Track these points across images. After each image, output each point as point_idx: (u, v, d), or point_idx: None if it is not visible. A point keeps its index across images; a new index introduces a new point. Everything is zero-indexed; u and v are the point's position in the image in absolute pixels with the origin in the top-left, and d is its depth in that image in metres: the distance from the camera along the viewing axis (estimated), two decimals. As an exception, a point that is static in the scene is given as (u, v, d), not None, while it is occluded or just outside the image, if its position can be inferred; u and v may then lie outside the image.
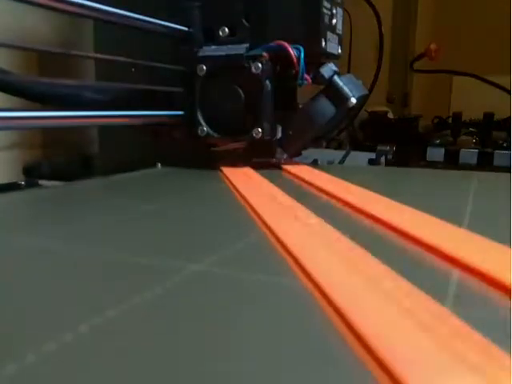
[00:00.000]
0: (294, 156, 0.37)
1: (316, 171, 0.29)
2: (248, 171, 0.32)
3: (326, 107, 0.32)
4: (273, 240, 0.17)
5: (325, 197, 0.24)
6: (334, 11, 0.34)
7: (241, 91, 0.33)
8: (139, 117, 0.33)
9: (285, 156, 0.34)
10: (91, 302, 0.12)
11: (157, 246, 0.17)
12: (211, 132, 0.34)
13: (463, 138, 0.78)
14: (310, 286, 0.13)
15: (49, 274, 0.14)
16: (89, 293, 0.13)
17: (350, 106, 0.32)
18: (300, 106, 0.35)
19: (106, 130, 0.48)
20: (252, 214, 0.21)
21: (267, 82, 0.32)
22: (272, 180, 0.27)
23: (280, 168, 0.34)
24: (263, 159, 0.35)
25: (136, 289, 0.13)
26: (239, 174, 0.31)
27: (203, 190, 0.28)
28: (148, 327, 0.11)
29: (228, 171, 0.32)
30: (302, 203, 0.21)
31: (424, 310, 0.11)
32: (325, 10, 0.32)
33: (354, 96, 0.32)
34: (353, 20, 0.69)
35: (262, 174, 0.29)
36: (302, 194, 0.23)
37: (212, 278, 0.14)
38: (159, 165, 0.37)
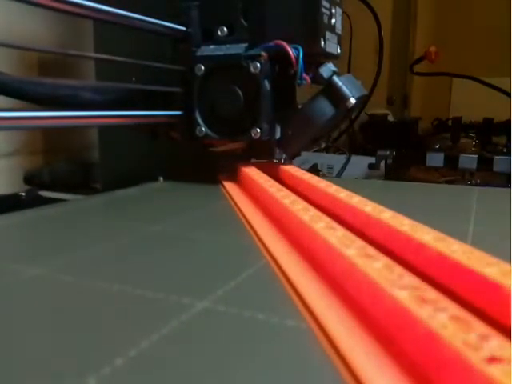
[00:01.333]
0: (293, 156, 0.37)
1: (321, 183, 0.27)
2: (248, 184, 0.31)
3: (326, 107, 0.32)
4: (277, 271, 0.17)
5: (331, 218, 0.22)
6: (333, 11, 0.34)
7: (239, 91, 0.33)
8: (138, 117, 0.33)
9: (284, 156, 0.34)
10: (97, 348, 0.12)
11: (159, 277, 0.17)
12: (210, 132, 0.34)
13: (463, 140, 0.78)
14: (314, 327, 0.13)
15: (46, 311, 0.14)
16: (93, 336, 0.12)
17: (350, 106, 0.32)
18: (299, 106, 0.35)
19: (106, 137, 0.48)
20: (254, 237, 0.21)
21: (266, 81, 0.32)
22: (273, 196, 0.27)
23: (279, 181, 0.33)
24: (262, 160, 0.35)
25: (142, 330, 0.12)
26: (239, 190, 0.31)
27: (205, 210, 0.28)
28: (159, 376, 0.10)
29: (228, 186, 0.32)
30: (303, 224, 0.20)
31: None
32: (324, 10, 0.32)
33: (353, 96, 0.32)
34: (353, 23, 0.69)
35: (262, 188, 0.29)
36: (304, 213, 0.22)
37: (217, 317, 0.13)
38: (161, 179, 0.37)
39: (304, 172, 0.31)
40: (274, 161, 0.34)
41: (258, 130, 0.32)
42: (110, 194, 0.32)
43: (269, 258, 0.18)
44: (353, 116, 0.81)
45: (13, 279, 0.16)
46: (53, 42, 0.55)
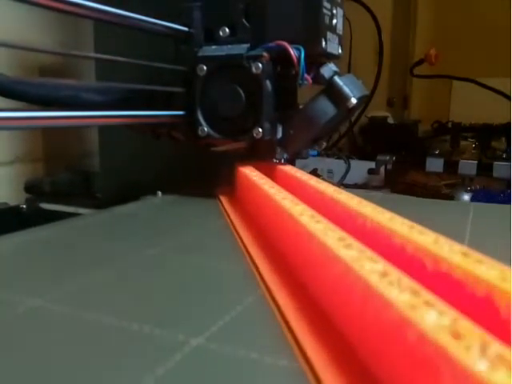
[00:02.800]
0: (294, 156, 0.37)
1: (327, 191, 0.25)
2: (245, 190, 0.31)
3: (327, 107, 0.32)
4: (271, 304, 0.17)
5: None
6: (335, 11, 0.34)
7: (241, 91, 0.33)
8: (139, 117, 0.33)
9: (285, 156, 0.34)
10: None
11: (156, 310, 0.17)
12: (212, 132, 0.34)
13: (463, 142, 0.78)
14: (306, 368, 0.12)
15: (40, 348, 0.14)
16: (83, 376, 0.12)
17: (351, 106, 0.32)
18: (300, 107, 0.35)
19: (106, 145, 0.48)
20: (250, 263, 0.21)
21: (267, 82, 0.32)
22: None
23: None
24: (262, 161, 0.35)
25: (136, 371, 0.12)
26: (237, 205, 0.31)
27: (202, 230, 0.28)
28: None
29: (226, 201, 0.33)
30: (303, 251, 0.18)
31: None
32: (325, 11, 0.32)
33: (354, 96, 0.32)
34: (353, 26, 0.69)
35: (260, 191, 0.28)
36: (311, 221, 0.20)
37: (211, 356, 0.13)
38: (160, 193, 0.37)
39: (307, 175, 0.31)
40: (275, 160, 0.34)
41: (260, 129, 0.32)
42: (109, 210, 0.33)
43: (264, 288, 0.18)
44: (353, 119, 0.81)
45: (11, 312, 0.16)
46: (53, 43, 0.55)
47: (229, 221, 0.29)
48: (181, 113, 0.35)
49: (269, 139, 0.33)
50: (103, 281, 0.19)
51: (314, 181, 0.28)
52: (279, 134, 0.34)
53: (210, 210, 0.32)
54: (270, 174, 0.31)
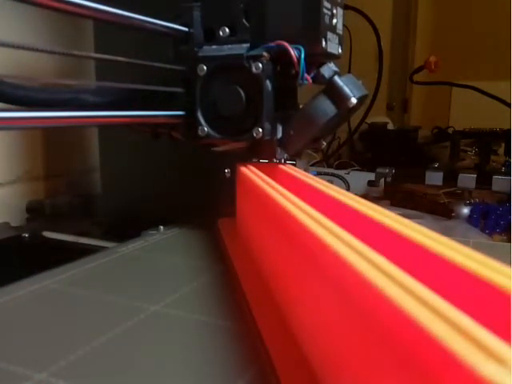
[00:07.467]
0: (295, 157, 0.37)
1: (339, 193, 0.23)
2: (247, 225, 0.31)
3: (327, 107, 0.32)
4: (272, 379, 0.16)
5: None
6: (335, 11, 0.34)
7: (241, 91, 0.33)
8: (138, 117, 0.33)
9: (285, 156, 0.34)
10: None
11: None
12: (212, 132, 0.34)
13: (462, 149, 0.78)
14: None
15: None
16: None
17: (351, 105, 0.32)
18: (300, 106, 0.35)
19: (108, 167, 0.49)
20: (250, 321, 0.21)
21: (267, 81, 0.32)
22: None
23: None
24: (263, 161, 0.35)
25: None
26: (237, 243, 0.31)
27: (203, 279, 0.28)
28: None
29: (227, 235, 0.32)
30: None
31: None
32: (325, 10, 0.32)
33: (354, 96, 0.32)
34: (352, 34, 0.69)
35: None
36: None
37: None
38: (161, 228, 0.37)
39: (309, 175, 0.30)
40: (275, 160, 0.34)
41: (260, 129, 0.32)
42: (110, 252, 0.32)
43: (267, 364, 0.18)
44: (353, 127, 0.81)
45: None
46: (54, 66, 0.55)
47: (229, 263, 0.29)
48: (181, 113, 0.35)
49: (269, 139, 0.33)
50: (105, 348, 0.19)
51: (318, 183, 0.27)
52: (279, 134, 0.34)
53: (211, 250, 0.32)
54: (271, 174, 0.31)
